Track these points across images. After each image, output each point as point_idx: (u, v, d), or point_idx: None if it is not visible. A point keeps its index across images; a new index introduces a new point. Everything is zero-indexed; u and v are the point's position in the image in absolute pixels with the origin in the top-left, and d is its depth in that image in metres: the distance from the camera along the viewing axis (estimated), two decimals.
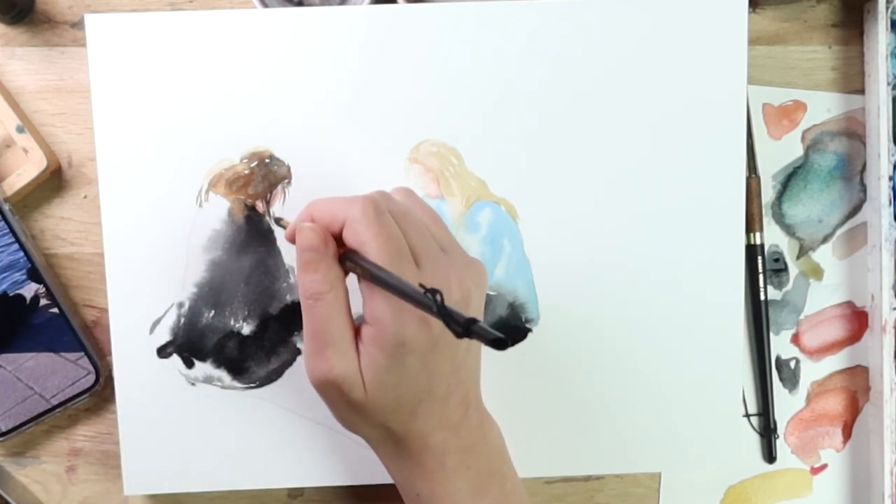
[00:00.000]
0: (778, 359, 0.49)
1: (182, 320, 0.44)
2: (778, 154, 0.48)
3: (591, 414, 0.45)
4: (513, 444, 0.44)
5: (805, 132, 0.48)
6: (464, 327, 0.26)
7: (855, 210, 0.49)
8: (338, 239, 0.36)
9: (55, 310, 0.44)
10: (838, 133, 0.48)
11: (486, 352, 0.43)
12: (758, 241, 0.47)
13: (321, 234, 0.35)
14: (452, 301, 0.34)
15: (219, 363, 0.44)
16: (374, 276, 0.32)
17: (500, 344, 0.25)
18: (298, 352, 0.44)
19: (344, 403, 0.35)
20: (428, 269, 0.34)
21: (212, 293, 0.44)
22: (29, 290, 0.44)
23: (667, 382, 0.45)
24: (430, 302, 0.27)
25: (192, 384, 0.44)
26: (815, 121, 0.48)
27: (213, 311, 0.44)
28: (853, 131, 0.48)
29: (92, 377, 0.45)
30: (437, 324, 0.33)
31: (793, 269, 0.49)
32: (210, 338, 0.44)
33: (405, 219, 0.35)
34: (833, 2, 0.48)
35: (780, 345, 0.49)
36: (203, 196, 0.44)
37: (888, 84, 0.46)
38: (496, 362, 0.44)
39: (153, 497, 0.47)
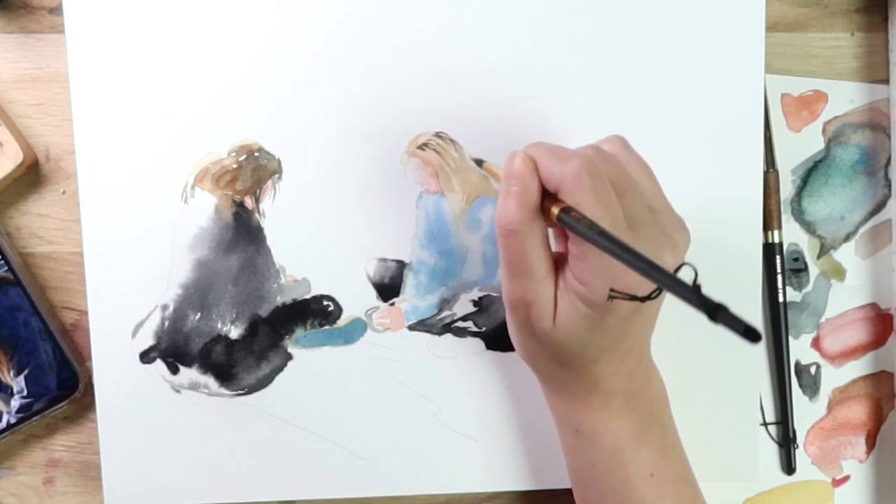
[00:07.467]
0: (797, 364, 0.48)
1: (166, 323, 0.43)
2: (797, 147, 0.47)
3: None
4: (515, 454, 0.45)
5: (826, 124, 0.47)
6: (710, 312, 0.25)
7: (879, 206, 0.48)
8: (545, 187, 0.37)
9: (32, 312, 0.43)
10: (861, 125, 0.47)
11: (488, 358, 0.42)
12: (776, 240, 0.46)
13: (529, 167, 0.36)
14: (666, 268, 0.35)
15: (205, 369, 0.43)
16: (606, 247, 0.31)
17: (752, 337, 0.24)
18: (289, 356, 0.44)
19: (529, 329, 0.37)
20: (642, 235, 0.35)
21: (198, 294, 0.43)
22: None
23: (679, 389, 0.44)
24: (679, 286, 0.26)
25: (177, 391, 0.43)
26: (837, 112, 0.47)
27: (199, 314, 0.43)
28: (877, 123, 0.48)
29: (71, 384, 0.44)
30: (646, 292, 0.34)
31: (813, 270, 0.48)
32: (196, 342, 0.43)
33: (621, 180, 0.36)
34: None
35: (800, 349, 0.48)
36: (188, 192, 0.43)
37: None
38: (503, 368, 0.44)
39: None
